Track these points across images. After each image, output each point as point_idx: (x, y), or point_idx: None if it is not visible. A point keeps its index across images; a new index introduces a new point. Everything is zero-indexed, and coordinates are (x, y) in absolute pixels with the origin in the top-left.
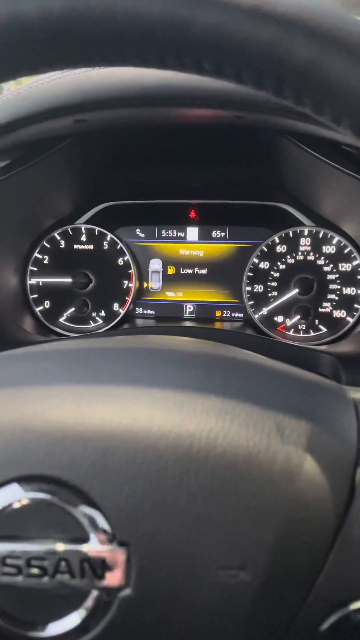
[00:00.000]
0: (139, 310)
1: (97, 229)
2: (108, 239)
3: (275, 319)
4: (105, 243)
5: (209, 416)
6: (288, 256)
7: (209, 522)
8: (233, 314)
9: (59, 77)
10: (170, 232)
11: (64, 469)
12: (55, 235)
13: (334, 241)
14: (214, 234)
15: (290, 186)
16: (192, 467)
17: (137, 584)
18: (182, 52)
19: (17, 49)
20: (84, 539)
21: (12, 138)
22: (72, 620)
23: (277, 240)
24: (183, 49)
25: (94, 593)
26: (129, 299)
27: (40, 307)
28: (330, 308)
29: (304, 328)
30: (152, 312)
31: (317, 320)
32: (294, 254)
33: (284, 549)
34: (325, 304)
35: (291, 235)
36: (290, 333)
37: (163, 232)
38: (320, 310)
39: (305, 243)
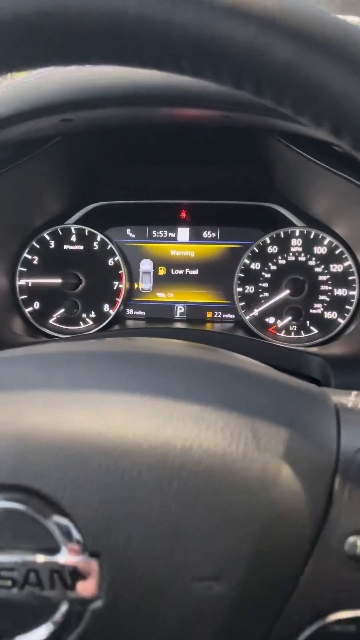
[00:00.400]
0: (130, 312)
1: (87, 229)
2: (98, 239)
3: (267, 320)
4: (95, 243)
5: (184, 423)
6: (279, 257)
7: (182, 532)
8: (224, 315)
9: (44, 76)
10: (161, 232)
11: (35, 477)
12: (45, 235)
13: (325, 242)
14: (205, 234)
15: (280, 187)
16: (166, 476)
17: (108, 595)
18: (160, 51)
19: None
20: (55, 550)
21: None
22: (42, 632)
23: (268, 241)
24: (161, 48)
25: (65, 604)
26: (120, 300)
27: (30, 308)
28: (322, 309)
29: (295, 329)
30: (143, 313)
31: (308, 322)
32: (285, 255)
33: (260, 560)
34: (316, 305)
35: (282, 235)
36: (282, 334)
37: (154, 232)
38: (311, 311)
39: (296, 244)
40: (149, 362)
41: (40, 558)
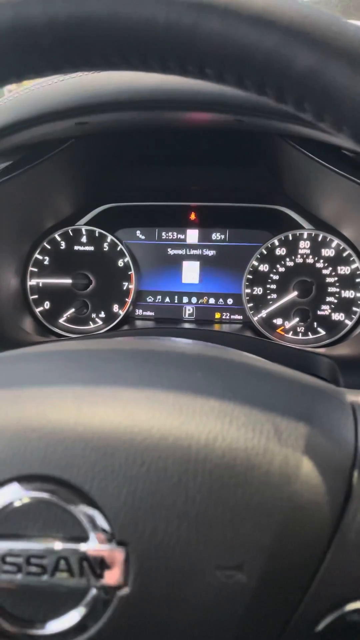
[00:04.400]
0: (139, 312)
1: (97, 230)
2: (108, 240)
3: (274, 321)
4: (105, 244)
5: (207, 418)
6: (287, 259)
7: (206, 523)
8: (232, 316)
9: (61, 80)
10: (170, 234)
11: (65, 468)
12: (56, 236)
13: (333, 244)
14: (213, 236)
15: (289, 190)
16: (191, 468)
17: (135, 583)
18: (185, 58)
19: (23, 52)
20: (84, 538)
21: (14, 140)
22: (71, 618)
23: (276, 243)
24: (186, 55)
25: (93, 591)
26: (129, 301)
27: (40, 308)
28: (329, 311)
29: (302, 331)
30: (152, 313)
31: (315, 323)
32: (293, 257)
33: (281, 551)
34: (324, 307)
35: (290, 238)
36: (289, 335)
37: (163, 234)
38: (319, 313)
39: (304, 246)
40: (173, 360)
41: (70, 546)
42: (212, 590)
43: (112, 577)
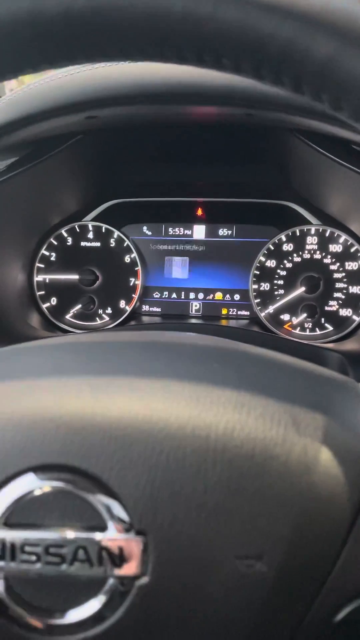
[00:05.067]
0: (146, 308)
1: (104, 226)
2: (115, 236)
3: (282, 317)
4: (112, 240)
5: (225, 408)
6: (295, 254)
7: (226, 513)
8: (239, 312)
9: (71, 74)
10: (177, 229)
11: (83, 458)
12: (63, 232)
13: (341, 240)
14: (220, 232)
15: (297, 185)
16: (210, 458)
17: (154, 572)
18: (202, 48)
19: (37, 43)
20: (102, 528)
21: (21, 135)
22: (90, 608)
23: (283, 239)
24: (202, 45)
25: (111, 581)
26: (136, 297)
27: (47, 304)
28: (337, 306)
29: (310, 326)
30: (159, 309)
31: (323, 319)
32: (300, 253)
33: (300, 540)
34: (331, 303)
35: (298, 233)
36: (297, 331)
37: (170, 229)
38: (326, 308)
39: (312, 241)
40: (187, 351)
41: (88, 535)
42: (231, 579)
43: (130, 567)
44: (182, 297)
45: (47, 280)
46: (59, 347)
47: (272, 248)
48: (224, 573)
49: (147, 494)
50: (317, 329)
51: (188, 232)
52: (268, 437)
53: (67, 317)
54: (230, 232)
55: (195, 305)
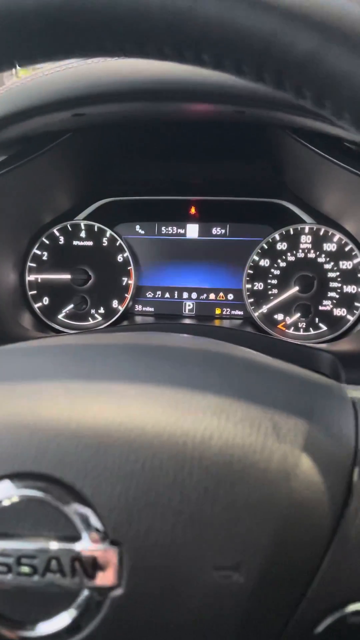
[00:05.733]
0: (139, 308)
1: (96, 225)
2: (107, 235)
3: (275, 316)
4: (104, 239)
5: (204, 414)
6: (289, 254)
7: (203, 522)
8: (233, 312)
9: (57, 71)
10: (170, 228)
11: (57, 466)
12: (54, 231)
13: (335, 239)
14: (214, 230)
15: (291, 183)
16: (187, 466)
17: (129, 583)
18: (181, 43)
19: (14, 38)
20: (76, 538)
21: (9, 133)
22: (63, 619)
23: (277, 238)
24: (182, 40)
25: (85, 592)
26: (128, 296)
27: (39, 304)
28: (331, 306)
29: (304, 326)
30: (152, 309)
31: (317, 319)
32: (294, 252)
33: (280, 550)
34: (325, 302)
35: (292, 232)
36: (290, 331)
37: (163, 228)
38: (320, 308)
39: (306, 240)
40: (168, 354)
41: (61, 546)
42: (208, 591)
43: (105, 577)
44: (175, 296)
45: (39, 280)
46: (36, 350)
47: (266, 247)
48: (200, 584)
49: (122, 503)
50: (311, 328)
51: (181, 230)
52: (247, 443)
53: (59, 317)
54: (223, 231)
55: (189, 305)
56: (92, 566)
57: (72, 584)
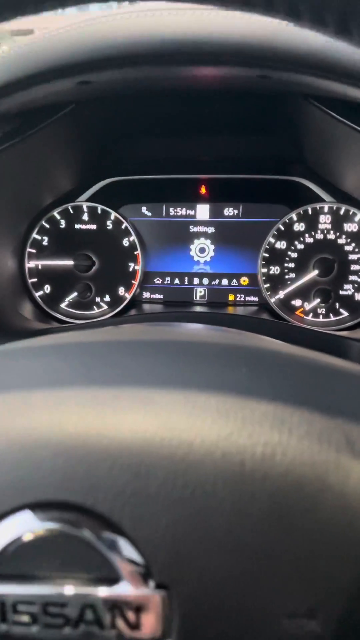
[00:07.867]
0: (147, 295)
1: (100, 207)
2: (112, 217)
3: (293, 302)
4: (109, 222)
5: (262, 426)
6: (307, 235)
7: (269, 560)
8: (247, 298)
9: (59, 33)
10: (179, 210)
11: (87, 493)
12: (55, 214)
13: (357, 218)
14: (226, 211)
15: (310, 157)
16: (247, 491)
17: (180, 635)
18: None
19: None
20: (114, 580)
21: (6, 105)
22: None
23: (294, 218)
24: None
25: None
26: (136, 283)
27: (40, 292)
28: (352, 290)
29: (323, 312)
30: (161, 296)
31: (337, 304)
32: (313, 233)
33: None
34: (346, 287)
35: (310, 212)
36: (309, 318)
37: (171, 210)
38: (341, 292)
39: (325, 220)
40: (210, 352)
41: (97, 591)
42: None
43: (150, 628)
44: (186, 282)
45: (40, 267)
46: (54, 349)
47: (282, 228)
48: (268, 635)
49: (168, 538)
50: (331, 314)
51: (191, 212)
52: (317, 462)
53: (62, 306)
54: (236, 211)
55: (200, 292)
56: (135, 615)
57: (111, 636)
